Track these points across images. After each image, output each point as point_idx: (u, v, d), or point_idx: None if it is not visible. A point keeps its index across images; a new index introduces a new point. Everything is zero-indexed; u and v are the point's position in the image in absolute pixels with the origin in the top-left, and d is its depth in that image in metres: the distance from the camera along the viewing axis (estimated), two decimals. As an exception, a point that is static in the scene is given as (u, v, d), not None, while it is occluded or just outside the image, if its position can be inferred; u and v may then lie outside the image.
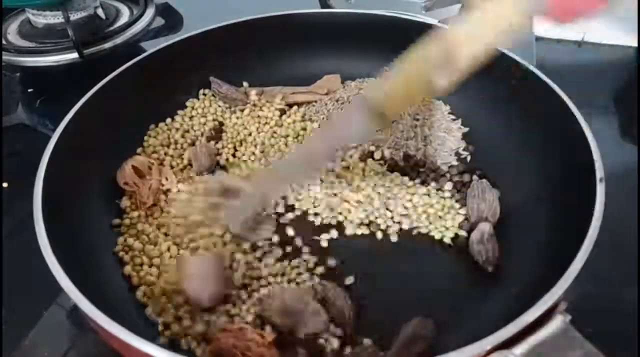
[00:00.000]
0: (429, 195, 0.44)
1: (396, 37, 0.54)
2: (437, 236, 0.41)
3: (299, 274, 0.39)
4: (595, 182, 0.35)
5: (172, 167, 0.48)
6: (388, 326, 0.35)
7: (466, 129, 0.51)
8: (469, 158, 0.48)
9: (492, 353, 0.27)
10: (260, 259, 0.40)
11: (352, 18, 0.56)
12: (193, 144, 0.50)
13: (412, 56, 0.34)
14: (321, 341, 0.35)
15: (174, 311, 0.36)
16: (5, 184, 0.49)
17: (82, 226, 0.40)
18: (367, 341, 0.35)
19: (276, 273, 0.39)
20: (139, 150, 0.49)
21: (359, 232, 0.42)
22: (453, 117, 0.52)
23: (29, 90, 0.63)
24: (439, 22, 0.56)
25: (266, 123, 0.52)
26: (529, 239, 0.40)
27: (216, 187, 0.40)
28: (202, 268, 0.37)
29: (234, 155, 0.49)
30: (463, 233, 0.41)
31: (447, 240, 0.41)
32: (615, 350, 0.28)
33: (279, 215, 0.44)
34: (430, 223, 0.42)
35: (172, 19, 0.75)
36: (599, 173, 0.36)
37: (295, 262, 0.40)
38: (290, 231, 0.42)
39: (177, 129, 0.51)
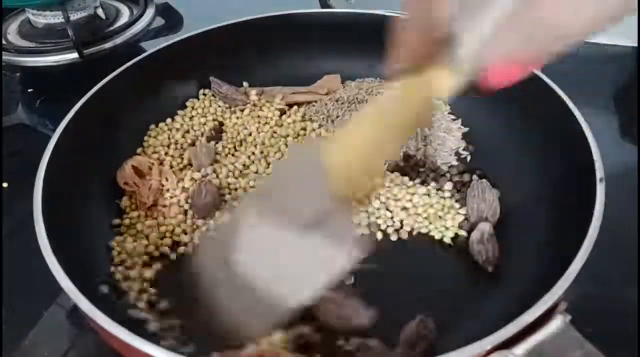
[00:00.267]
0: (428, 195, 0.44)
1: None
2: (437, 236, 0.41)
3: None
4: (595, 182, 0.35)
5: (171, 167, 0.48)
6: (388, 326, 0.35)
7: (466, 129, 0.51)
8: (469, 158, 0.48)
9: (492, 353, 0.27)
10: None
11: (352, 18, 0.56)
12: (193, 144, 0.50)
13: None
14: (339, 342, 0.35)
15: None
16: (5, 184, 0.49)
17: (82, 225, 0.40)
18: (372, 341, 0.35)
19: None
20: (139, 150, 0.49)
21: (358, 232, 0.42)
22: (453, 117, 0.52)
23: (29, 90, 0.63)
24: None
25: (266, 123, 0.52)
26: (529, 239, 0.40)
27: None
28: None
29: (233, 155, 0.49)
30: (463, 233, 0.41)
31: (447, 240, 0.41)
32: (615, 350, 0.28)
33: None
34: (430, 223, 0.42)
35: (172, 19, 0.75)
36: (599, 173, 0.36)
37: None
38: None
39: (177, 129, 0.51)
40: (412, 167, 0.47)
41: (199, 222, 0.43)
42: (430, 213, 0.43)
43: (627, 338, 0.36)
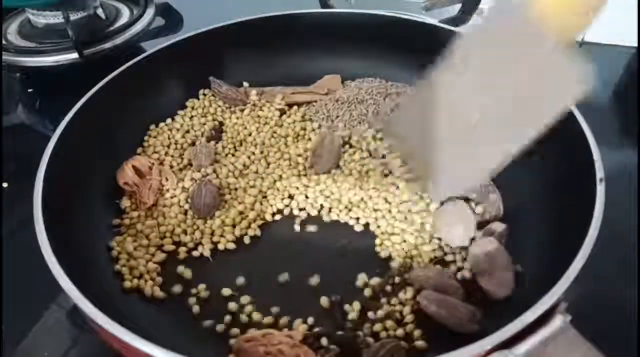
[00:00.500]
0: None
1: (396, 37, 0.55)
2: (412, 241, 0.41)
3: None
4: (595, 182, 0.35)
5: (171, 167, 0.48)
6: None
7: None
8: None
9: (492, 353, 0.27)
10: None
11: (352, 18, 0.56)
12: (193, 144, 0.50)
13: None
14: (358, 337, 0.35)
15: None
16: (5, 184, 0.49)
17: (82, 225, 0.40)
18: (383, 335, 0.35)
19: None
20: (139, 150, 0.49)
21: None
22: (453, 117, 0.52)
23: (29, 90, 0.63)
24: (439, 22, 0.56)
25: (266, 123, 0.52)
26: (529, 239, 0.40)
27: None
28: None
29: (233, 155, 0.49)
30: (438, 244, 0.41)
31: (426, 248, 0.40)
32: (615, 350, 0.28)
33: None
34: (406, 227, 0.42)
35: (172, 19, 0.75)
36: (599, 173, 0.36)
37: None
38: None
39: (178, 129, 0.51)
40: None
41: (199, 222, 0.43)
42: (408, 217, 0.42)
43: (627, 338, 0.36)
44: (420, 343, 0.35)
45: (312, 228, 0.43)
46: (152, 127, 0.51)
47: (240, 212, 0.43)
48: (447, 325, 0.35)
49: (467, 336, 0.31)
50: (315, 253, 0.41)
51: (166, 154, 0.49)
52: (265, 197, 0.45)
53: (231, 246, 0.42)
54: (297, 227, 0.43)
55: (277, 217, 0.44)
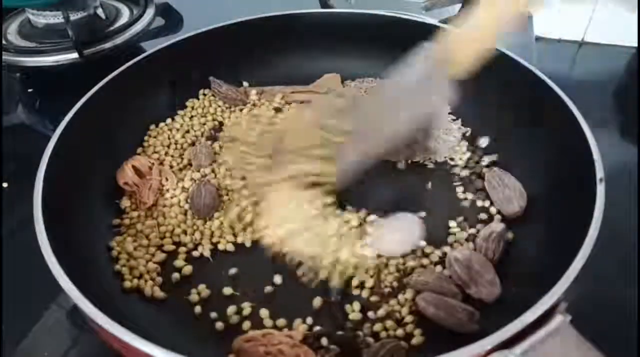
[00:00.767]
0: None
1: (396, 37, 0.55)
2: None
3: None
4: (595, 182, 0.35)
5: (171, 167, 0.48)
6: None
7: (466, 129, 0.51)
8: (469, 159, 0.48)
9: (492, 353, 0.27)
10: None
11: (352, 18, 0.56)
12: (193, 144, 0.50)
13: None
14: (358, 337, 0.35)
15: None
16: (5, 184, 0.49)
17: (82, 225, 0.40)
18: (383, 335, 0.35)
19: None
20: (139, 150, 0.49)
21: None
22: (453, 117, 0.52)
23: (29, 90, 0.63)
24: (439, 22, 0.56)
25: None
26: (529, 239, 0.40)
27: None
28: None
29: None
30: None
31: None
32: (615, 350, 0.28)
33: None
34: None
35: (172, 19, 0.75)
36: (599, 173, 0.36)
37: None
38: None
39: (177, 129, 0.51)
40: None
41: (199, 222, 0.43)
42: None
43: (627, 338, 0.36)
44: (420, 343, 0.35)
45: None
46: (152, 127, 0.51)
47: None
48: (447, 326, 0.35)
49: (467, 336, 0.31)
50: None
51: (166, 154, 0.49)
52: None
53: (230, 247, 0.42)
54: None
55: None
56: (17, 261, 0.42)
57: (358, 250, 0.40)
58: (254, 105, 0.54)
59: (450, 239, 0.41)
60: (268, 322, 0.37)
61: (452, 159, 0.48)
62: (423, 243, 0.41)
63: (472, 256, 0.38)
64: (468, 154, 0.48)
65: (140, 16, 0.67)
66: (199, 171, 0.46)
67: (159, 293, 0.38)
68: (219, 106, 0.54)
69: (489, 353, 0.27)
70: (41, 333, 0.38)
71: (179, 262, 0.40)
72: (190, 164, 0.48)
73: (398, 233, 0.40)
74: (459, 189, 0.45)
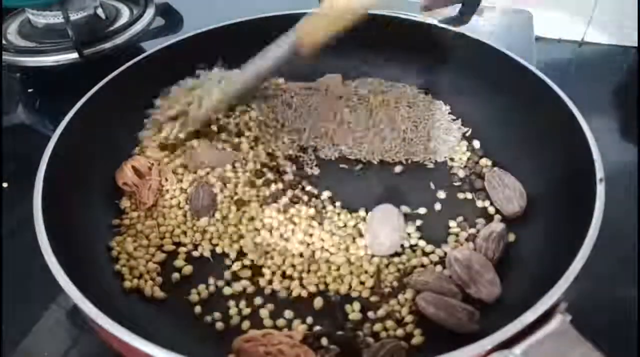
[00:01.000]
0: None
1: (396, 37, 0.55)
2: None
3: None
4: (595, 182, 0.35)
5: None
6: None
7: (466, 129, 0.51)
8: (468, 159, 0.48)
9: (492, 353, 0.27)
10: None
11: (352, 18, 0.56)
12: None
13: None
14: (358, 337, 0.35)
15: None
16: (5, 184, 0.49)
17: (82, 225, 0.40)
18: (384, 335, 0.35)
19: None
20: (136, 149, 0.49)
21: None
22: (453, 117, 0.52)
23: (29, 90, 0.63)
24: (439, 22, 0.56)
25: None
26: (529, 239, 0.40)
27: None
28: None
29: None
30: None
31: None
32: (615, 350, 0.28)
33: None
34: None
35: (172, 19, 0.75)
36: (599, 173, 0.36)
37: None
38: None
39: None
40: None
41: (199, 223, 0.43)
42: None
43: (627, 338, 0.36)
44: (420, 343, 0.35)
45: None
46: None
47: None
48: (447, 326, 0.35)
49: (467, 336, 0.31)
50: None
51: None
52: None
53: (228, 250, 0.41)
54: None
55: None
56: (17, 261, 0.42)
57: (356, 252, 0.40)
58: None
59: (450, 239, 0.41)
60: (268, 322, 0.37)
61: (452, 159, 0.48)
62: (416, 236, 0.41)
63: (472, 256, 0.38)
64: (468, 154, 0.48)
65: (140, 16, 0.67)
66: (195, 173, 0.46)
67: (159, 293, 0.38)
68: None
69: (489, 353, 0.27)
70: (41, 333, 0.38)
71: (179, 262, 0.40)
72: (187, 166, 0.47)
73: (382, 230, 0.40)
74: (459, 189, 0.45)
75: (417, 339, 0.35)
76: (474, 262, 0.37)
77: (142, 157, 0.47)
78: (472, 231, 0.42)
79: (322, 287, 0.38)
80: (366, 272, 0.39)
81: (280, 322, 0.36)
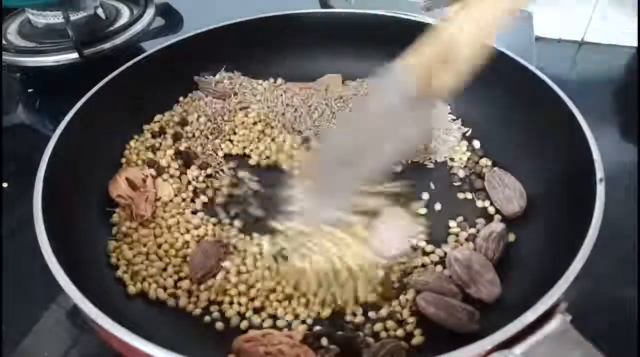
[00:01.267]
0: None
1: (396, 37, 0.55)
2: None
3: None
4: (595, 182, 0.35)
5: (169, 167, 0.47)
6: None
7: (466, 129, 0.51)
8: (468, 159, 0.48)
9: (492, 353, 0.27)
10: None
11: (352, 18, 0.56)
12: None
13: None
14: (358, 337, 0.35)
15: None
16: (5, 184, 0.49)
17: (82, 226, 0.40)
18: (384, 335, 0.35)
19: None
20: (126, 152, 0.48)
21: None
22: (453, 117, 0.52)
23: (29, 90, 0.63)
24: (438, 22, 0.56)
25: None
26: (529, 239, 0.40)
27: None
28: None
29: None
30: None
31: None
32: (615, 350, 0.28)
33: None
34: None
35: (172, 19, 0.75)
36: (599, 173, 0.36)
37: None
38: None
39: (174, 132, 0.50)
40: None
41: (195, 232, 0.42)
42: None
43: (627, 338, 0.36)
44: (420, 343, 0.35)
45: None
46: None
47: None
48: (447, 326, 0.35)
49: (467, 336, 0.31)
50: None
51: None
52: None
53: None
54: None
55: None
56: (17, 261, 0.42)
57: (365, 256, 0.39)
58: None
59: (450, 239, 0.41)
60: (268, 322, 0.37)
61: (452, 159, 0.48)
62: (422, 238, 0.41)
63: (472, 256, 0.38)
64: (468, 154, 0.48)
65: (140, 16, 0.67)
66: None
67: (163, 295, 0.38)
68: (215, 105, 0.53)
69: (489, 353, 0.27)
70: (41, 333, 0.38)
71: (180, 264, 0.40)
72: (187, 166, 0.47)
73: (392, 234, 0.40)
74: (459, 189, 0.45)
75: (417, 339, 0.35)
76: (474, 262, 0.37)
77: (134, 168, 0.46)
78: (472, 230, 0.42)
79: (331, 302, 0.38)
80: (374, 278, 0.38)
81: (281, 322, 0.36)
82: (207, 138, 0.50)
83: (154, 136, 0.50)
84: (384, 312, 0.37)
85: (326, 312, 0.37)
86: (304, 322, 0.36)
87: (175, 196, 0.45)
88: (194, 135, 0.50)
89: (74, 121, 0.42)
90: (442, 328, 0.35)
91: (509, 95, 0.48)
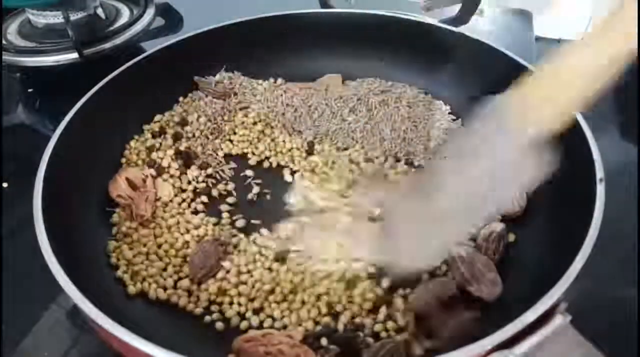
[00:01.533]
0: None
1: (396, 37, 0.55)
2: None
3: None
4: (595, 182, 0.35)
5: (169, 167, 0.47)
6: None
7: (466, 129, 0.51)
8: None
9: (492, 353, 0.27)
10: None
11: (352, 18, 0.56)
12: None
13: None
14: (358, 337, 0.35)
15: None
16: (5, 184, 0.49)
17: (82, 226, 0.40)
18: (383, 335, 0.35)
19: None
20: (126, 152, 0.48)
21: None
22: (453, 117, 0.52)
23: (29, 90, 0.63)
24: (439, 22, 0.56)
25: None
26: (529, 239, 0.40)
27: None
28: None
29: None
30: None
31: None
32: (615, 350, 0.28)
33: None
34: None
35: (172, 19, 0.75)
36: (599, 173, 0.36)
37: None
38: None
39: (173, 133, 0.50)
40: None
41: (195, 232, 0.42)
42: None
43: (627, 338, 0.36)
44: (420, 343, 0.35)
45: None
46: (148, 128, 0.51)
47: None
48: (447, 326, 0.35)
49: (467, 336, 0.31)
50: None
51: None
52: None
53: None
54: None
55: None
56: (17, 261, 0.42)
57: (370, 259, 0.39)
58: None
59: (450, 239, 0.41)
60: (268, 322, 0.37)
61: (452, 159, 0.48)
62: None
63: (475, 255, 0.38)
64: (468, 154, 0.48)
65: (140, 16, 0.67)
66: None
67: (163, 295, 0.38)
68: (215, 105, 0.53)
69: (489, 353, 0.27)
70: (41, 333, 0.38)
71: (179, 264, 0.40)
72: (187, 166, 0.47)
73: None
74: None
75: (417, 339, 0.35)
76: (477, 261, 0.37)
77: (134, 168, 0.46)
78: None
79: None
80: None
81: (280, 322, 0.36)
82: (207, 138, 0.50)
83: (154, 136, 0.50)
84: (383, 313, 0.36)
85: (326, 313, 0.37)
86: (303, 322, 0.36)
87: (175, 196, 0.45)
88: (194, 136, 0.50)
89: (74, 121, 0.42)
90: (442, 328, 0.35)
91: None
